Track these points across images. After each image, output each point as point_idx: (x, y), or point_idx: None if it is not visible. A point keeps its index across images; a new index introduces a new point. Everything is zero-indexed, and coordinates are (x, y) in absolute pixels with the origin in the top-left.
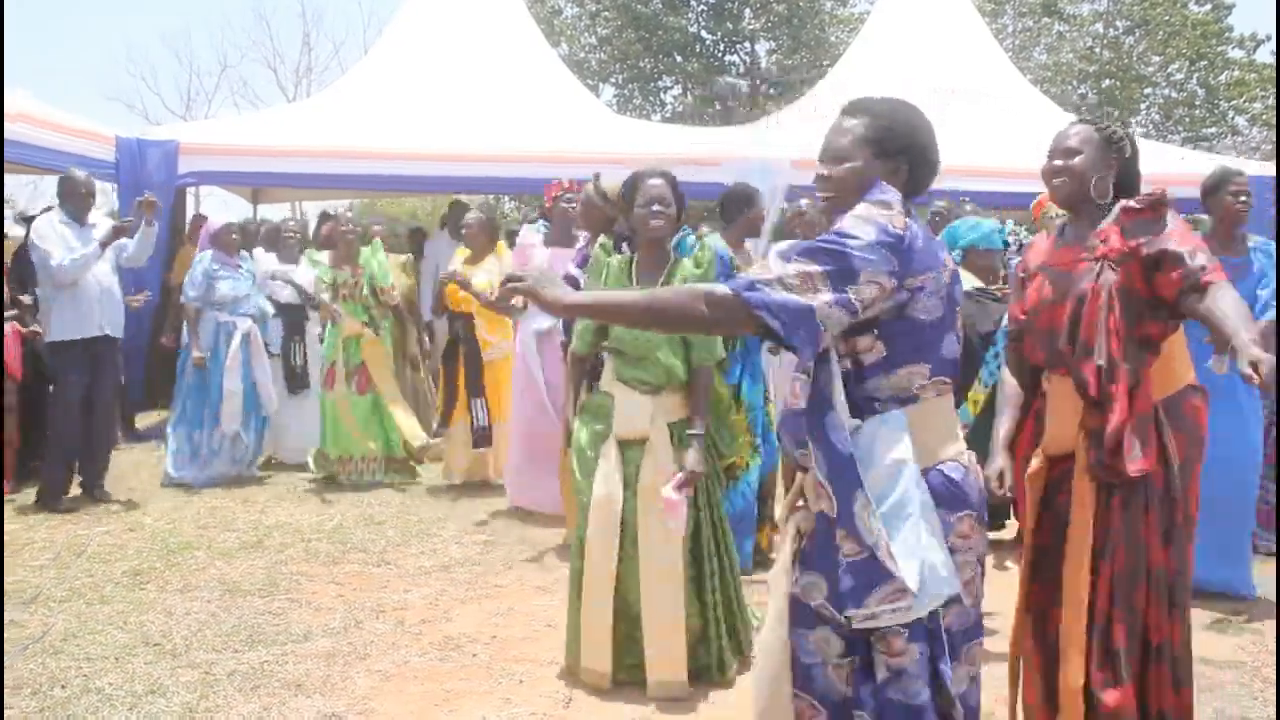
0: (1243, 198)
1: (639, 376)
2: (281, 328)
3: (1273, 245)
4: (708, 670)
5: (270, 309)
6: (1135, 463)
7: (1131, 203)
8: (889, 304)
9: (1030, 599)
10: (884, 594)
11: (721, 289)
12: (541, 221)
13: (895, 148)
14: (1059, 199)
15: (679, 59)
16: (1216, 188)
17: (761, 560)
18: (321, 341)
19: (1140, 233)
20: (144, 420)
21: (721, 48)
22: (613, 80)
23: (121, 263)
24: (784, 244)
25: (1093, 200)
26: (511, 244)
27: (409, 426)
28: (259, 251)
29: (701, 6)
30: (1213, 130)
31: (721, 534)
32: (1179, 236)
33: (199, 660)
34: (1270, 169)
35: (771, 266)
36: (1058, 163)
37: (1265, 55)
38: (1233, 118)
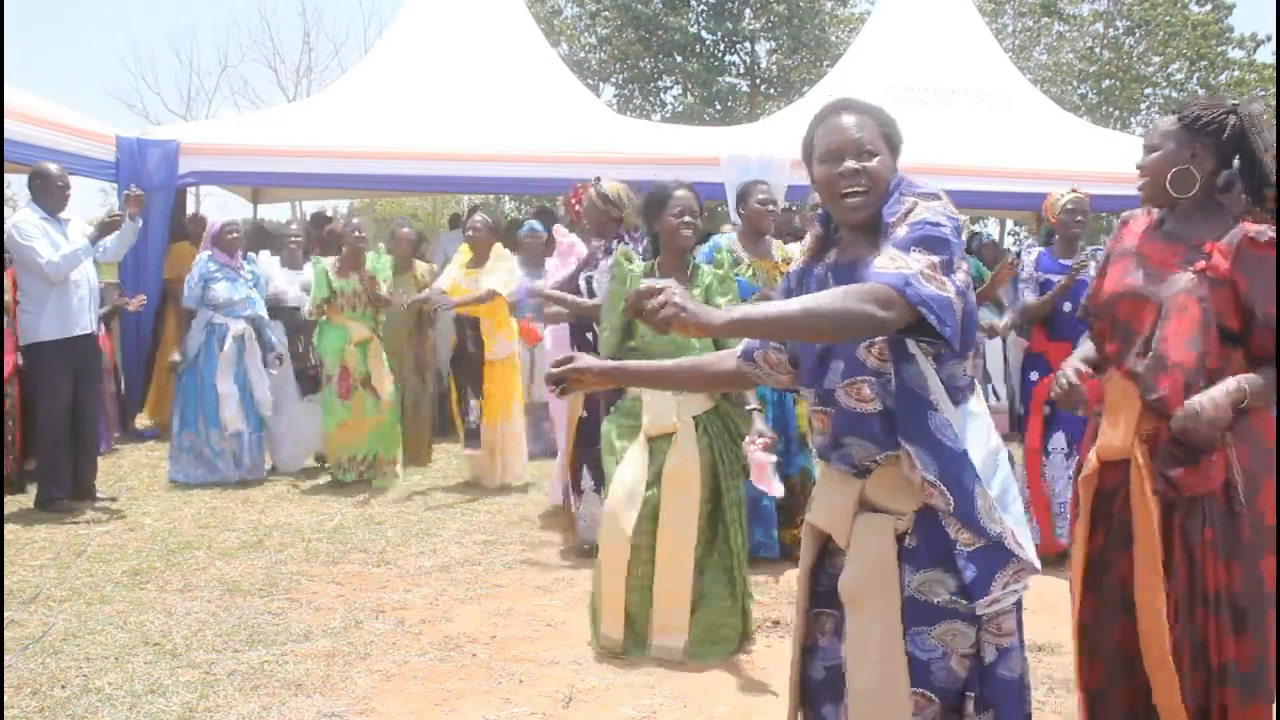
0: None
1: None
2: (284, 331)
3: None
4: (728, 641)
5: (266, 313)
6: (1194, 482)
7: (1258, 235)
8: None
9: (1085, 613)
10: (1006, 577)
11: (884, 288)
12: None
13: (898, 145)
14: (1142, 199)
15: (679, 59)
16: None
17: (788, 553)
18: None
19: (1249, 268)
20: (144, 420)
21: (721, 48)
22: (613, 80)
23: (98, 258)
24: (898, 235)
25: (1177, 196)
26: (512, 244)
27: (393, 434)
28: (264, 255)
29: (702, 6)
30: None
31: (740, 516)
32: (1269, 302)
33: (199, 660)
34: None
35: (908, 260)
36: (1138, 163)
37: (1265, 55)
38: None
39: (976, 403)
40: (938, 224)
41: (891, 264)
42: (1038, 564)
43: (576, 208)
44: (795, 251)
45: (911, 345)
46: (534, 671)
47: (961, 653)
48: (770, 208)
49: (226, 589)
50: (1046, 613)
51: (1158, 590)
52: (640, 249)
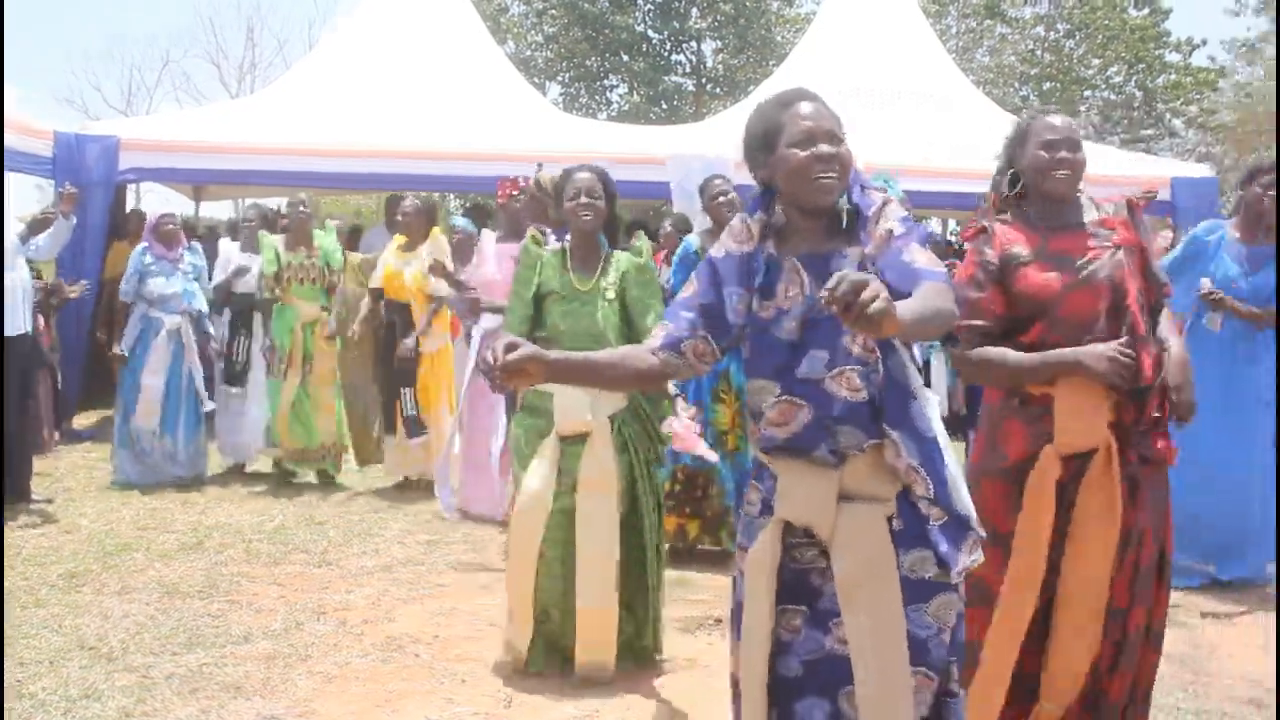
0: (1271, 190)
1: None
2: (226, 323)
3: None
4: (645, 651)
5: (205, 306)
6: (1171, 453)
7: (1138, 199)
8: None
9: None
10: (968, 546)
11: (946, 286)
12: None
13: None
14: (1063, 190)
15: (625, 58)
16: (1249, 179)
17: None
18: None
19: (1143, 226)
20: (82, 420)
21: (668, 47)
22: (559, 78)
23: (31, 256)
24: (896, 230)
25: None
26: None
27: (336, 421)
28: (224, 243)
29: (648, 5)
30: (1150, 132)
31: (659, 518)
32: (1156, 248)
33: (136, 663)
34: (1204, 171)
35: (933, 257)
36: (1066, 154)
37: (1201, 59)
38: (1170, 120)
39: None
40: (917, 223)
41: (932, 262)
42: (984, 534)
43: (509, 193)
44: None
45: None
46: (477, 671)
47: (950, 625)
48: (721, 199)
49: (165, 591)
50: None
51: (1107, 562)
52: (563, 240)
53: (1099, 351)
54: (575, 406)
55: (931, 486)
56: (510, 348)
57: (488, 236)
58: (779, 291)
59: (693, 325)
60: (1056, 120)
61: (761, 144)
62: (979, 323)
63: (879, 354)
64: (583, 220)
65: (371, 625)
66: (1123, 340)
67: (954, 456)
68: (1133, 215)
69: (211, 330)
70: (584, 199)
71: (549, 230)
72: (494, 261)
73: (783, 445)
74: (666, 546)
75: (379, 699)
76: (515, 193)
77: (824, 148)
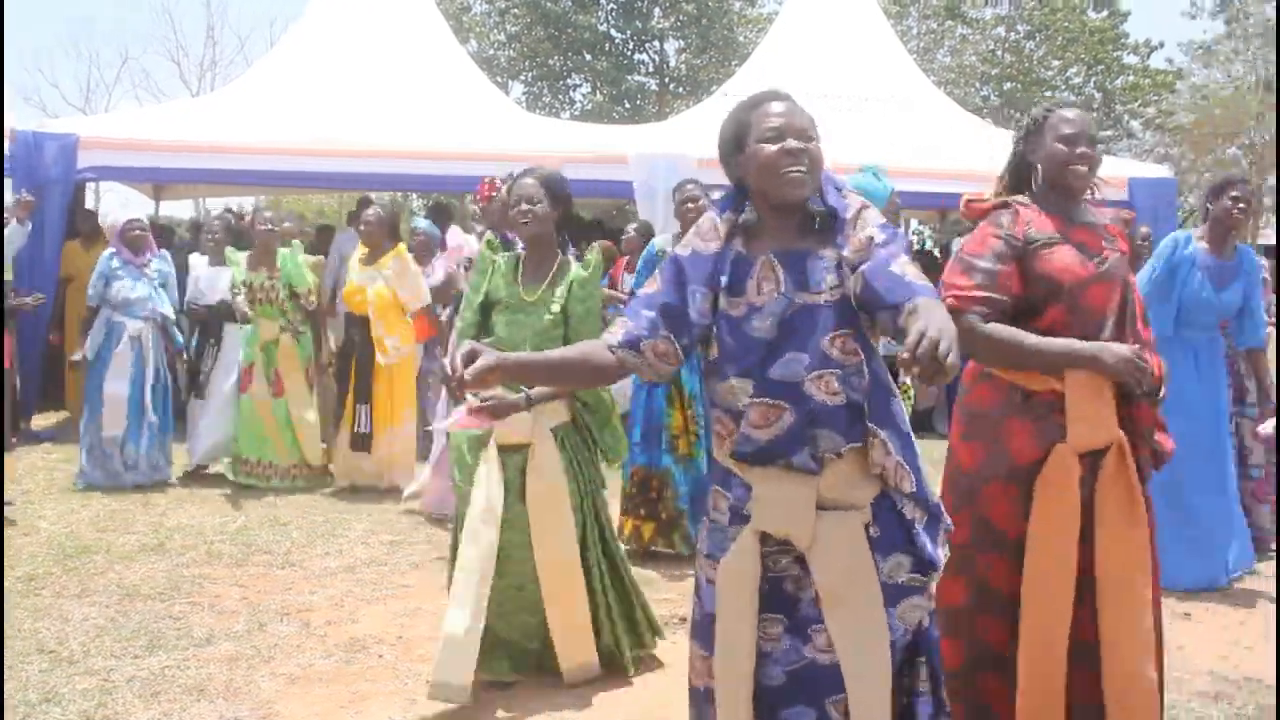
0: (1242, 205)
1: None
2: (195, 331)
3: (1251, 254)
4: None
5: (171, 312)
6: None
7: (1118, 225)
8: None
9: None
10: (942, 540)
11: (938, 300)
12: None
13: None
14: (1081, 185)
15: (588, 57)
16: (1217, 193)
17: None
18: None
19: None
20: (40, 421)
21: (631, 46)
22: (522, 78)
23: None
24: (877, 239)
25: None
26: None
27: (311, 440)
28: (194, 257)
29: (611, 5)
30: (1109, 133)
31: (604, 528)
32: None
33: (96, 667)
34: (1162, 171)
35: (918, 269)
36: (1085, 150)
37: (1159, 61)
38: (1128, 121)
39: None
40: (897, 228)
41: (920, 276)
42: (951, 525)
43: (489, 195)
44: None
45: (873, 338)
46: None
47: (913, 626)
48: (689, 205)
49: (125, 593)
50: None
51: (1147, 560)
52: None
53: (1120, 352)
54: (516, 417)
55: (915, 481)
56: (469, 358)
57: (455, 234)
58: (749, 288)
59: (653, 325)
60: (1072, 114)
61: (733, 144)
62: (998, 296)
63: (863, 356)
64: (521, 227)
65: (335, 626)
66: (1138, 346)
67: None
68: (1125, 226)
69: (179, 338)
70: (523, 206)
71: (511, 235)
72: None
73: (759, 450)
74: (624, 549)
75: (342, 700)
76: (494, 194)
77: (793, 142)
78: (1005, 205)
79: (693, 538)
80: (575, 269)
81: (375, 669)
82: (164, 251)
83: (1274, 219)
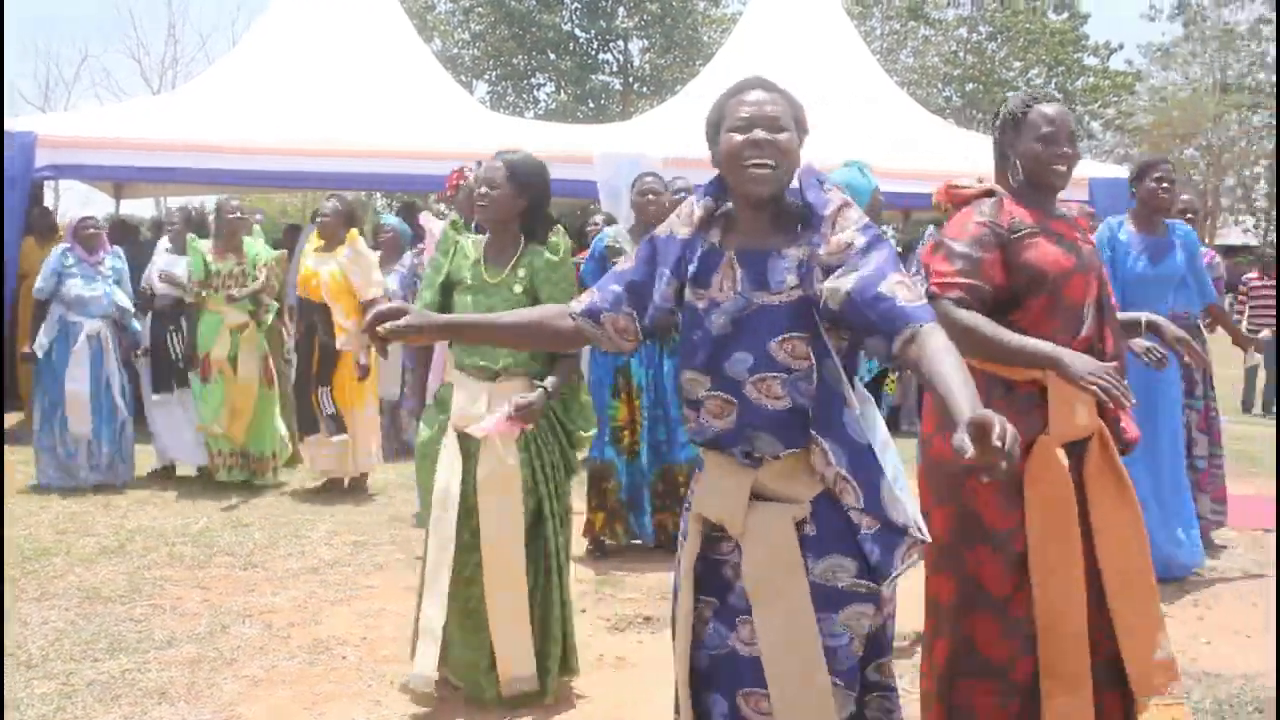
0: (1166, 184)
1: (475, 362)
2: (152, 323)
3: (1183, 226)
4: (565, 664)
5: (130, 306)
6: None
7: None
8: None
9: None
10: (902, 552)
11: (938, 325)
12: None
13: (805, 132)
14: (1061, 183)
15: (552, 56)
16: (1140, 175)
17: (666, 540)
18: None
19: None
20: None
21: (595, 46)
22: (486, 77)
23: None
24: (858, 243)
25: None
26: (376, 239)
27: (268, 428)
28: (161, 244)
29: (575, 4)
30: None
31: (561, 529)
32: None
33: (56, 671)
34: (1121, 172)
35: (909, 280)
36: (1066, 149)
37: (1118, 63)
38: (1088, 122)
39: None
40: (880, 232)
41: (914, 296)
42: (928, 536)
43: (455, 184)
44: None
45: (830, 342)
46: (405, 672)
47: (864, 634)
48: (651, 197)
49: (86, 596)
50: None
51: (1145, 546)
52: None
53: (1089, 365)
54: (471, 402)
55: (862, 496)
56: (392, 315)
57: (429, 219)
58: (714, 282)
59: (617, 300)
60: (1052, 110)
61: (713, 131)
62: (979, 284)
63: (813, 361)
64: (479, 210)
65: (298, 628)
66: (1113, 367)
67: (897, 461)
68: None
69: (139, 328)
70: (482, 189)
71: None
72: None
73: (711, 439)
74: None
75: (306, 702)
76: (461, 183)
77: (759, 133)
78: (990, 193)
79: (634, 530)
80: (541, 253)
81: (339, 670)
82: (116, 248)
83: (1230, 220)
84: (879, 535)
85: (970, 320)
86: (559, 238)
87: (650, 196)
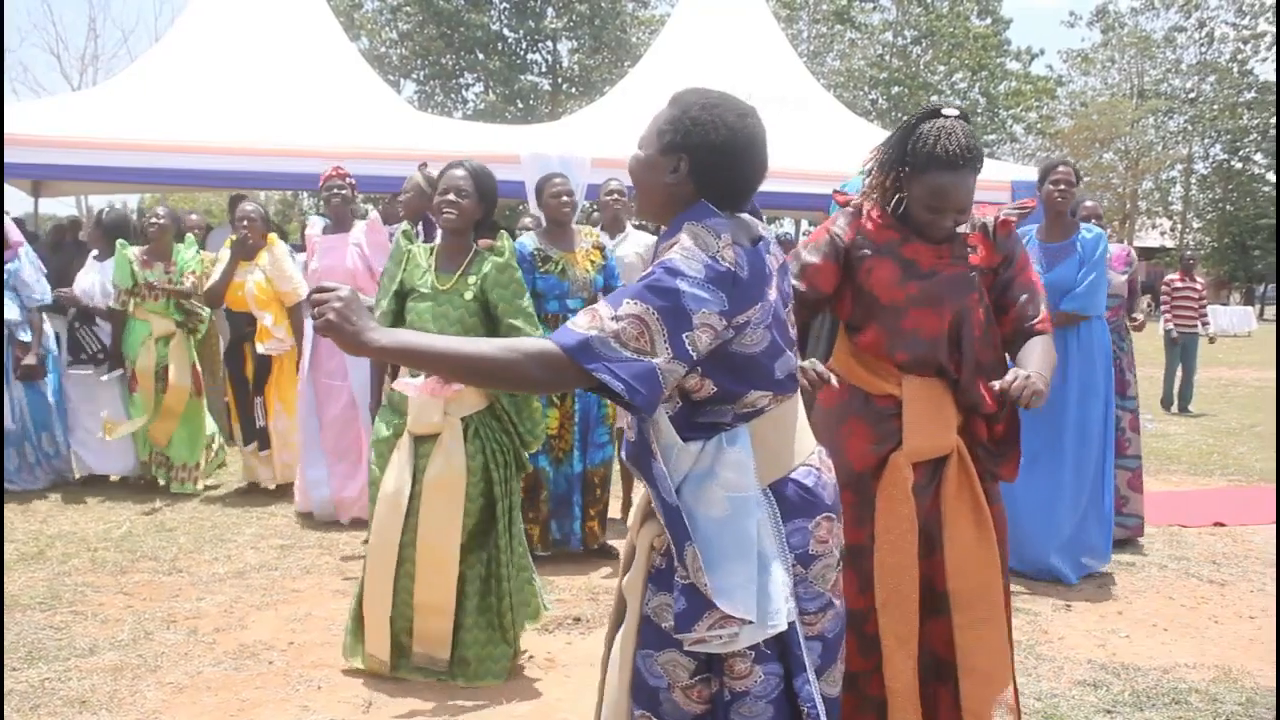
0: (1062, 187)
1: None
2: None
3: (1094, 232)
4: (497, 675)
5: (16, 315)
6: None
7: (1010, 215)
8: (717, 343)
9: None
10: (711, 620)
11: (552, 348)
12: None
13: (677, 142)
14: (942, 236)
15: (481, 56)
16: (1041, 179)
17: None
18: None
19: (1005, 249)
20: None
21: (524, 46)
22: (414, 76)
23: None
24: (615, 291)
25: None
26: (301, 238)
27: (196, 436)
28: (91, 258)
29: (504, 4)
30: (993, 137)
31: (511, 528)
32: (1030, 270)
33: None
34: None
35: (603, 316)
36: (953, 221)
37: (1040, 68)
38: (1011, 125)
39: (736, 453)
40: (675, 274)
41: (586, 321)
42: (758, 631)
43: (322, 183)
44: (635, 239)
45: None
46: (333, 678)
47: (683, 685)
48: (565, 198)
49: (4, 604)
50: None
51: (997, 562)
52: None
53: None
54: (427, 406)
55: (672, 548)
56: (319, 290)
57: (316, 224)
58: None
59: None
60: (947, 179)
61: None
62: (800, 286)
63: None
64: (445, 217)
65: (224, 633)
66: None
67: (749, 520)
68: (996, 234)
69: (26, 338)
70: (450, 196)
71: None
72: (321, 255)
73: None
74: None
75: (232, 708)
76: (339, 181)
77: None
78: (856, 208)
79: (555, 540)
80: (490, 258)
81: (265, 675)
82: (21, 251)
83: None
84: (688, 589)
85: None
86: (504, 241)
87: (565, 198)
